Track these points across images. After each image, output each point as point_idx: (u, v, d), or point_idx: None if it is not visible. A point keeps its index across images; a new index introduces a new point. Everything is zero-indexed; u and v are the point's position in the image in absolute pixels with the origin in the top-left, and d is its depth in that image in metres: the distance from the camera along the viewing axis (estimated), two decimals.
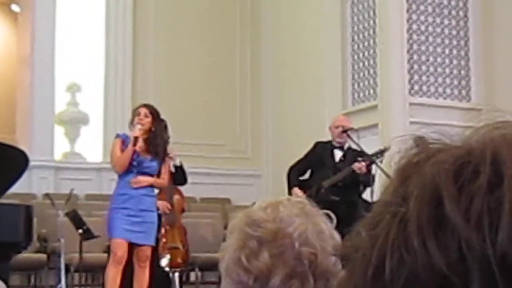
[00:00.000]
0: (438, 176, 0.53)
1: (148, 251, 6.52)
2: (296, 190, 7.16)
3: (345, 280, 0.57)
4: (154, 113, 6.57)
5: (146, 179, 6.50)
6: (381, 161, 6.77)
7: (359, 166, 6.99)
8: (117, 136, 6.78)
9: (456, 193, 0.51)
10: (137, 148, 6.42)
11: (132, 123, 6.59)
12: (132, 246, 6.46)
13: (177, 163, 7.71)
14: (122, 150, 6.47)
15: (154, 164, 6.51)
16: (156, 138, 6.52)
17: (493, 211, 0.50)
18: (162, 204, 7.49)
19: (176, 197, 7.70)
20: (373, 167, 6.95)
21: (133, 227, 6.37)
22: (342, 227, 1.09)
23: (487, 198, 0.51)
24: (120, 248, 6.37)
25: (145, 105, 6.70)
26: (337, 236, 1.34)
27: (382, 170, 6.51)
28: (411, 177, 0.55)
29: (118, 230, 6.35)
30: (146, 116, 6.48)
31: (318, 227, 1.34)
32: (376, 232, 0.54)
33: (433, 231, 0.51)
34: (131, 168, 6.42)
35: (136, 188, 6.42)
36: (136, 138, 6.40)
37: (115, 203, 6.45)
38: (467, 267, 0.50)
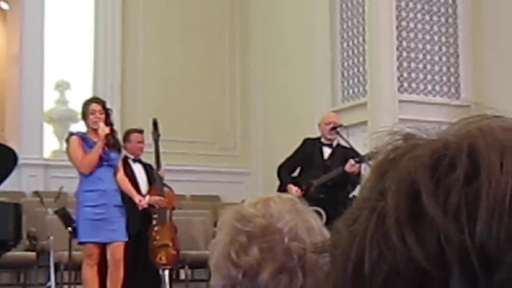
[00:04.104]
0: (415, 170, 0.53)
1: (121, 247, 6.42)
2: (290, 186, 7.13)
3: (326, 277, 0.56)
4: (106, 106, 6.57)
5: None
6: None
7: (352, 167, 6.96)
8: (72, 134, 6.67)
9: (433, 187, 0.51)
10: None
11: (84, 118, 6.54)
12: (104, 245, 6.39)
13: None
14: (82, 149, 6.40)
15: (117, 155, 6.56)
16: (112, 131, 6.52)
17: (470, 203, 0.50)
18: (155, 200, 7.46)
19: (166, 190, 7.70)
20: (363, 166, 6.94)
21: (105, 225, 6.29)
22: (329, 225, 1.10)
23: (464, 190, 0.51)
24: (93, 251, 6.34)
25: (96, 101, 6.68)
26: (326, 233, 1.34)
27: None
28: (388, 172, 0.54)
29: (88, 233, 6.27)
30: (101, 113, 6.47)
31: (308, 223, 1.35)
32: (354, 228, 0.54)
33: (412, 225, 0.51)
34: (101, 162, 6.35)
35: (108, 183, 6.36)
36: (107, 136, 6.34)
37: (85, 201, 6.31)
38: (447, 260, 0.50)
